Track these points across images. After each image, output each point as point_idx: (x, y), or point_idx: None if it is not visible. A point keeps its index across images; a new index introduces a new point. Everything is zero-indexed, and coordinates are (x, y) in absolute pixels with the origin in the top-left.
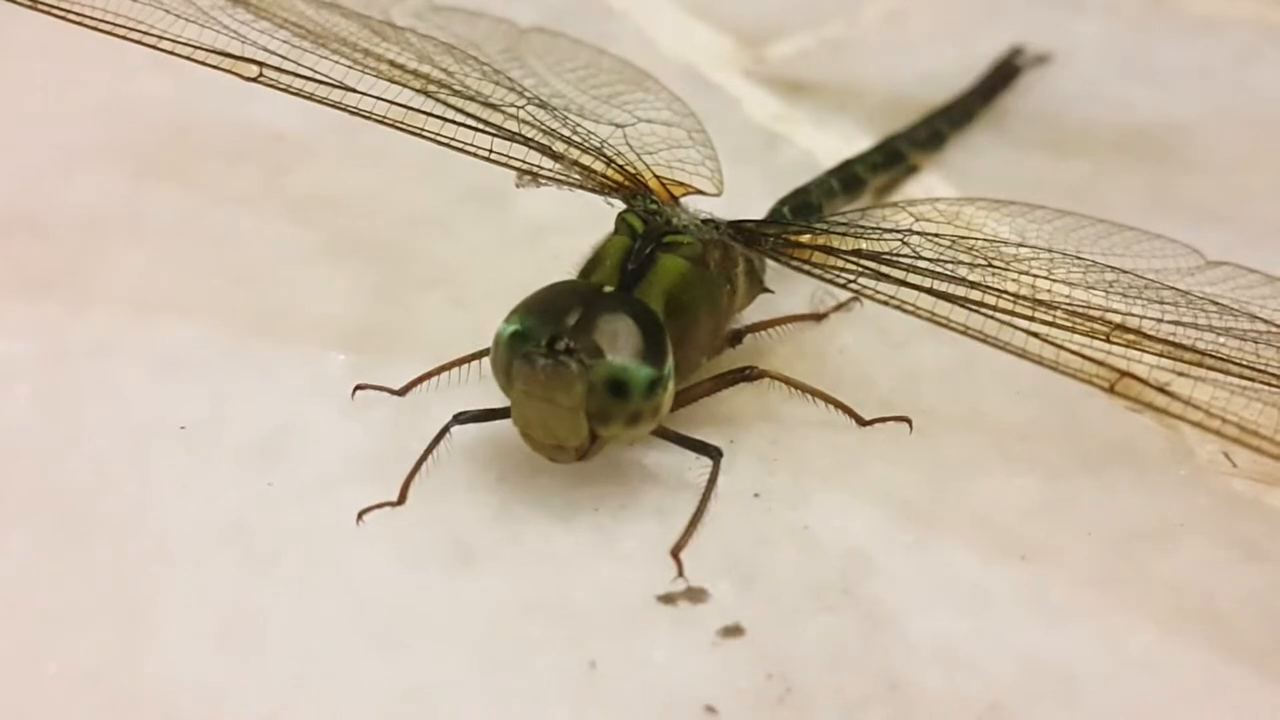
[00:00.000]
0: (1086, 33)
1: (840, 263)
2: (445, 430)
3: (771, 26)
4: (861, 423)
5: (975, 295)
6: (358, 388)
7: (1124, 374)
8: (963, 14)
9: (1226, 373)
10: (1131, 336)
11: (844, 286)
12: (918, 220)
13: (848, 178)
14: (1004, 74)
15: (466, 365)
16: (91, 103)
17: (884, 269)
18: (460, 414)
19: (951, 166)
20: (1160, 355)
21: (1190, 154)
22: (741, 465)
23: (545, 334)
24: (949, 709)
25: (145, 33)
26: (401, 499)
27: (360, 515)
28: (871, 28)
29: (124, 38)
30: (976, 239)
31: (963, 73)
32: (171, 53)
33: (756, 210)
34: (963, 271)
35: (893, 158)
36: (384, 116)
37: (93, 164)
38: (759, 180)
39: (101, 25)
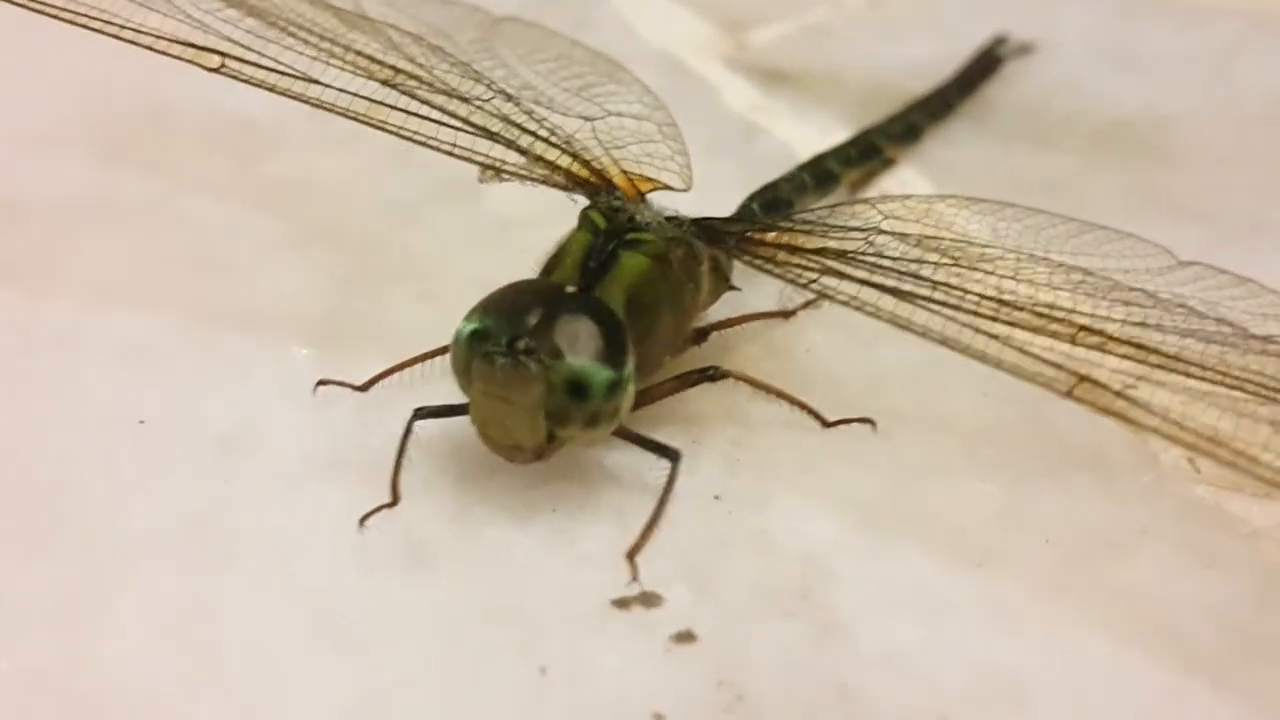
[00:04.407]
0: (1073, 21)
1: (802, 262)
2: (410, 426)
3: (754, 12)
4: (825, 424)
5: (938, 296)
6: (319, 383)
7: (1083, 378)
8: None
9: (1188, 375)
10: (1096, 338)
11: (805, 287)
12: (886, 218)
13: (820, 172)
14: (985, 64)
15: (431, 361)
16: (63, 85)
17: (846, 269)
18: (420, 409)
19: (929, 160)
20: (1124, 358)
21: (1173, 148)
22: (704, 466)
23: (505, 333)
24: (897, 718)
25: (107, 21)
26: (394, 499)
27: (362, 521)
28: (855, 13)
29: (84, 26)
30: (944, 238)
31: (947, 61)
32: (133, 42)
33: (730, 203)
34: (926, 271)
35: (867, 151)
36: (346, 109)
37: (63, 148)
38: (735, 172)
39: (64, 15)
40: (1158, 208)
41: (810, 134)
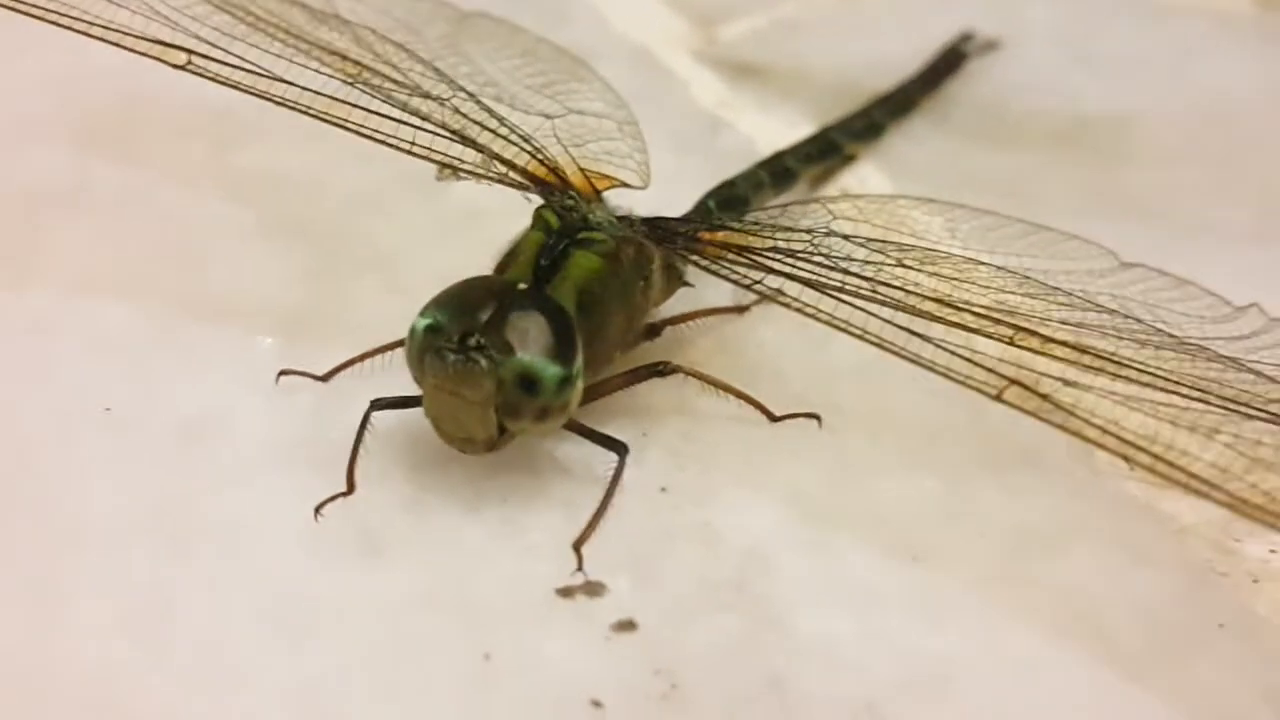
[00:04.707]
0: (1039, 17)
1: (747, 262)
2: (366, 416)
3: (726, 4)
4: (772, 419)
5: (879, 298)
6: (281, 373)
7: (1012, 382)
8: None
9: (1117, 376)
10: (1034, 340)
11: (748, 288)
12: (836, 218)
13: (778, 170)
14: (950, 61)
15: (391, 352)
16: (37, 75)
17: (789, 270)
18: (378, 400)
19: (889, 156)
20: (1059, 359)
21: (1129, 146)
22: (652, 459)
23: (458, 329)
24: (826, 707)
25: (76, 18)
26: (350, 488)
27: (317, 510)
28: (826, 8)
29: (52, 22)
30: (891, 240)
31: (915, 56)
32: (100, 39)
33: (695, 197)
34: (870, 272)
35: (827, 149)
36: (309, 107)
37: (37, 138)
38: (700, 167)
39: (32, 11)
40: (1111, 206)
41: (775, 129)
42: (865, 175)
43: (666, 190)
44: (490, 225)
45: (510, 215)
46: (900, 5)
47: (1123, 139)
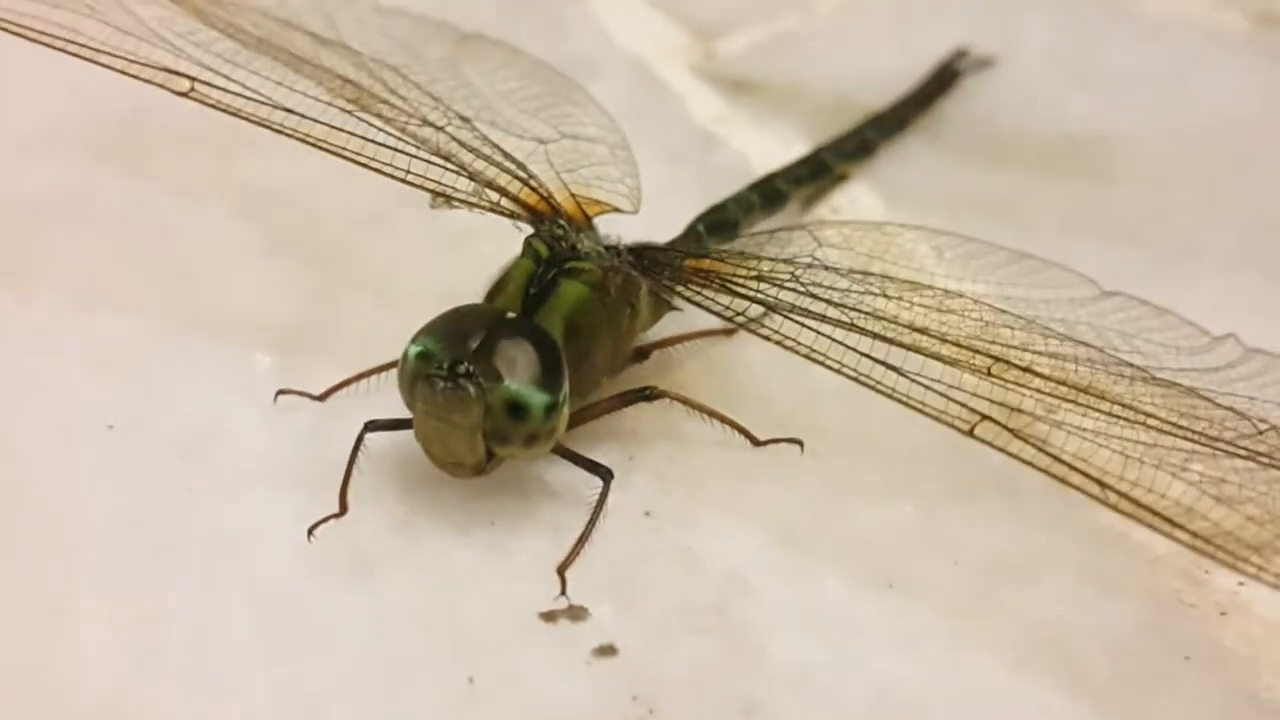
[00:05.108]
0: (1036, 33)
1: (729, 293)
2: (360, 438)
3: (726, 18)
4: (756, 443)
5: (857, 329)
6: (279, 393)
7: (984, 417)
8: (919, 7)
9: (1089, 409)
10: (1014, 372)
11: (730, 319)
12: (820, 246)
13: (769, 192)
14: (943, 79)
15: (387, 372)
16: (46, 87)
17: (770, 301)
18: (371, 422)
19: (881, 176)
20: (1035, 390)
21: (1118, 167)
22: (637, 483)
23: (447, 357)
24: None
25: (84, 45)
26: (342, 509)
27: (310, 531)
28: (826, 21)
29: (60, 49)
30: (874, 271)
31: (912, 71)
32: (107, 66)
33: (688, 214)
34: (851, 301)
35: (818, 170)
36: (307, 135)
37: (45, 150)
38: (694, 184)
39: (41, 39)
40: (1100, 227)
41: (769, 145)
42: (857, 195)
43: (659, 205)
44: (485, 244)
45: (505, 235)
46: (898, 20)
47: (1112, 158)
